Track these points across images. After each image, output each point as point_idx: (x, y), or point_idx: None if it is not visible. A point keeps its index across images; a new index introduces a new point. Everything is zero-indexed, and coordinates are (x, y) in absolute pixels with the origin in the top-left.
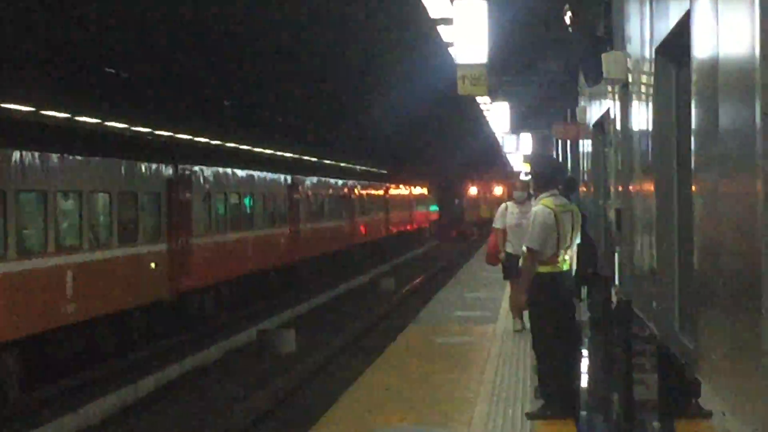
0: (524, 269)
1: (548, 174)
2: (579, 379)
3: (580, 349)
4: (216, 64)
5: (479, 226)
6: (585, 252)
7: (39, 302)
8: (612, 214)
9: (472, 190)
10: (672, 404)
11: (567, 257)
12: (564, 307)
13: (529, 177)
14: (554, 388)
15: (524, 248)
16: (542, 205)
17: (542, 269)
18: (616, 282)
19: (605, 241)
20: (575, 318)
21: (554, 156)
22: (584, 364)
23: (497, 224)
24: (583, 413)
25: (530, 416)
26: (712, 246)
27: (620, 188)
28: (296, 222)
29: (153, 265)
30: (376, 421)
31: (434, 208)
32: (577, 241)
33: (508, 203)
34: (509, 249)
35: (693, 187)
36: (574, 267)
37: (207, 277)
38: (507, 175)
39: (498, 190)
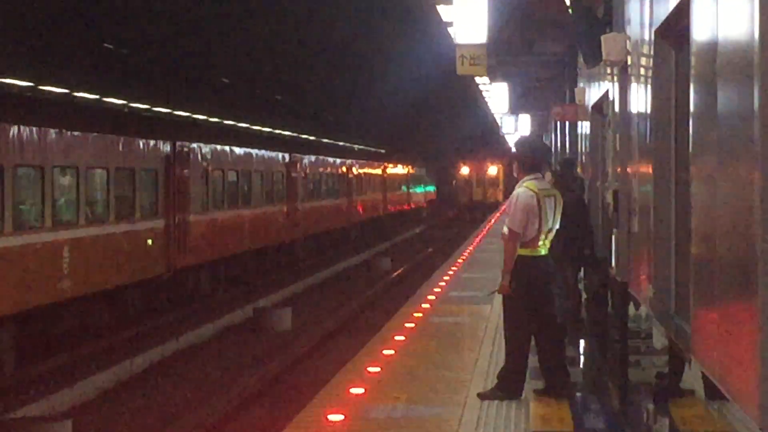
0: (506, 251)
1: (533, 157)
2: (556, 359)
3: (554, 332)
4: (215, 42)
5: (471, 209)
6: (582, 233)
7: (35, 277)
8: (609, 196)
9: (464, 170)
10: (667, 386)
11: (546, 242)
12: (538, 291)
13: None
14: (505, 368)
15: (505, 230)
16: (525, 188)
17: (523, 252)
18: (613, 264)
19: (602, 222)
20: (551, 302)
21: (541, 138)
22: (580, 345)
23: None
24: (578, 395)
25: (481, 396)
26: (709, 229)
27: (618, 170)
28: (294, 200)
29: (149, 241)
30: (370, 400)
31: (432, 188)
32: (557, 226)
33: None
34: None
35: (690, 171)
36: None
37: (204, 254)
38: (503, 153)
39: (493, 170)
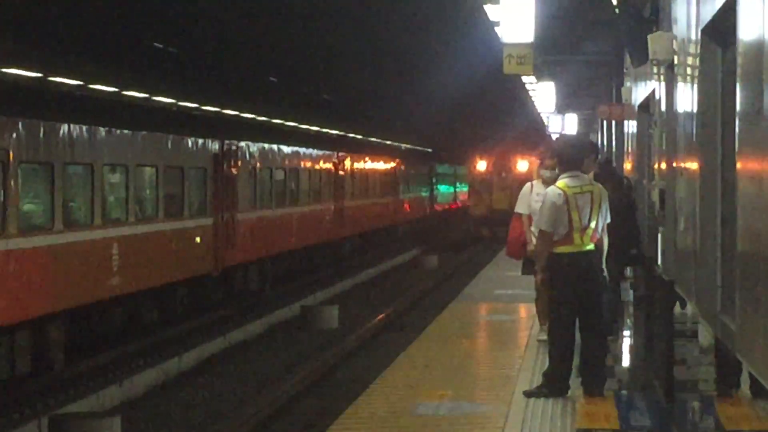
0: (537, 251)
1: (569, 155)
2: (594, 358)
3: (603, 329)
4: (263, 40)
5: (490, 223)
6: (629, 232)
7: (84, 274)
8: (656, 195)
9: (480, 166)
10: (715, 384)
11: (586, 238)
12: (580, 287)
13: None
14: (550, 366)
15: (533, 229)
16: (554, 186)
17: (560, 250)
18: (659, 262)
19: (649, 221)
20: (600, 298)
21: (584, 135)
22: (626, 343)
23: (520, 208)
24: (624, 392)
25: (527, 394)
26: (755, 227)
27: (664, 169)
28: (341, 198)
29: (198, 239)
30: (417, 397)
31: None
32: (604, 222)
33: (534, 182)
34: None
35: (737, 169)
36: (605, 247)
37: (252, 252)
38: (539, 141)
39: (523, 166)
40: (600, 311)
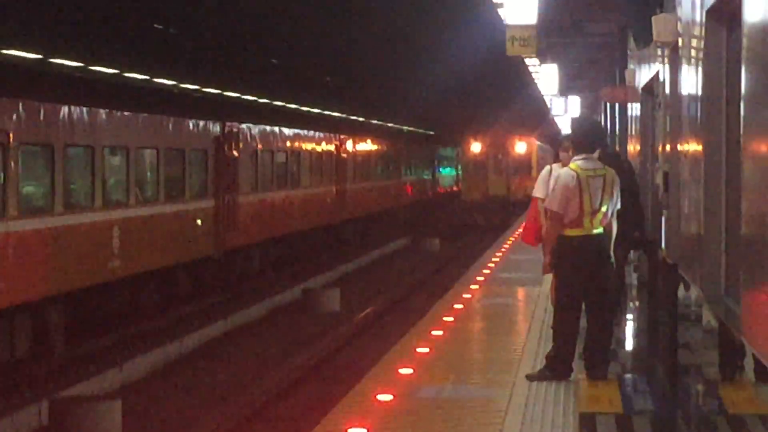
0: (547, 231)
1: (584, 137)
2: (599, 342)
3: (608, 312)
4: (264, 22)
5: (485, 210)
6: (633, 215)
7: (85, 257)
8: (659, 177)
9: (474, 147)
10: (718, 368)
11: (596, 221)
12: (587, 270)
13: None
14: (553, 349)
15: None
16: (567, 168)
17: (569, 233)
18: (663, 245)
19: (652, 204)
20: (607, 282)
21: (595, 118)
22: (629, 327)
23: (539, 192)
24: (627, 376)
25: (529, 377)
26: (760, 210)
27: (668, 152)
28: (343, 181)
29: (199, 221)
30: (419, 380)
31: None
32: (614, 206)
33: (554, 165)
34: None
35: (741, 152)
36: (614, 231)
37: (253, 234)
38: (542, 124)
39: (521, 147)
40: (606, 295)
